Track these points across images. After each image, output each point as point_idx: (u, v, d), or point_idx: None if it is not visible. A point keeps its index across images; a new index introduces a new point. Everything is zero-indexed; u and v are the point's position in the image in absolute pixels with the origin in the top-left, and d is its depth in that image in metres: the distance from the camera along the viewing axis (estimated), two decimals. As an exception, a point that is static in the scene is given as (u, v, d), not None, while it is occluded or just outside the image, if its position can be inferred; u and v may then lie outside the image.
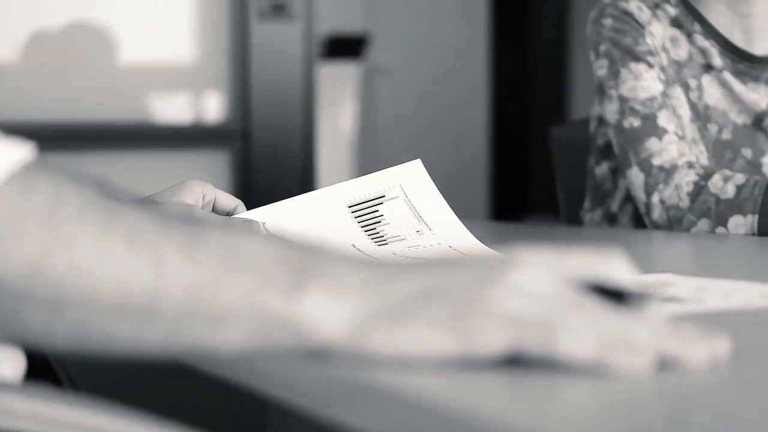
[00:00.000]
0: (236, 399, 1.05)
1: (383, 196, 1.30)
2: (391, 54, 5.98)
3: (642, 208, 1.75)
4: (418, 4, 6.14)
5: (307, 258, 0.67)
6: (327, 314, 0.65)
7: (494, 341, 0.64)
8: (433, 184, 1.32)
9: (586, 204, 2.01)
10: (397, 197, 1.30)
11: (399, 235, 1.29)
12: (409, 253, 1.25)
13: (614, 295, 0.68)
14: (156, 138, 3.24)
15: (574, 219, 2.20)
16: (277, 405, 0.79)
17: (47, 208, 0.65)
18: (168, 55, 3.28)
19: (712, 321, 0.82)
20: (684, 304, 0.88)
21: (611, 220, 1.94)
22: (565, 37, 6.68)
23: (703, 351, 0.65)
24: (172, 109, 3.28)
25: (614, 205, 1.93)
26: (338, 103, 5.57)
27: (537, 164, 6.99)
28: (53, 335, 0.67)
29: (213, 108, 3.31)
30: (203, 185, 1.30)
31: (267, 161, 3.31)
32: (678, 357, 0.65)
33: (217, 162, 3.29)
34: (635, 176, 1.75)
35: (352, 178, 1.33)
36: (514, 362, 0.65)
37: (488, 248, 1.28)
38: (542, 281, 0.66)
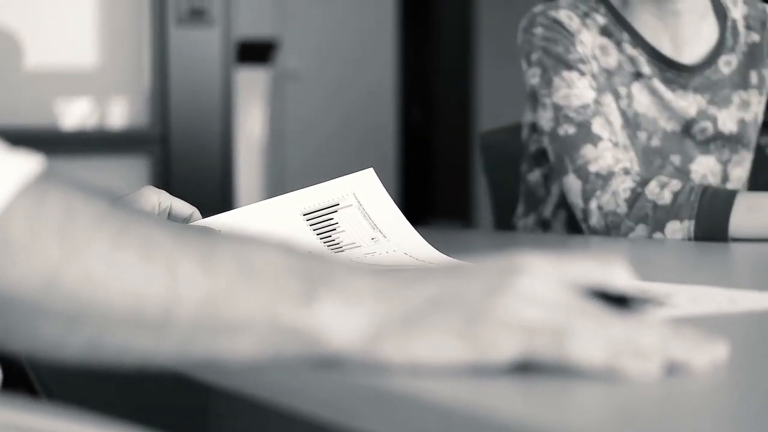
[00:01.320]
0: (179, 389, 1.05)
1: (337, 204, 1.31)
2: (299, 59, 5.98)
3: (579, 214, 1.77)
4: (325, 10, 6.15)
5: (319, 267, 0.67)
6: (340, 323, 0.66)
7: (507, 349, 0.65)
8: (386, 192, 1.33)
9: (520, 210, 2.03)
10: (351, 205, 1.31)
11: (354, 243, 1.30)
12: (365, 260, 1.27)
13: (616, 300, 0.69)
14: (73, 144, 3.21)
15: (504, 224, 2.23)
16: (219, 392, 0.79)
17: (60, 221, 0.65)
18: (86, 60, 3.24)
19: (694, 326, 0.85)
20: (675, 309, 0.90)
21: (544, 226, 1.97)
22: (468, 41, 6.73)
23: (706, 355, 0.67)
24: (91, 115, 3.25)
25: (547, 211, 1.96)
26: (249, 109, 5.55)
27: (442, 168, 7.04)
28: (66, 347, 0.66)
29: (132, 113, 3.28)
30: (159, 192, 1.30)
31: (186, 166, 3.29)
32: (683, 361, 0.66)
33: (137, 168, 3.26)
34: (572, 183, 1.77)
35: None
36: (525, 366, 0.66)
37: (444, 255, 1.30)
38: (549, 288, 0.67)
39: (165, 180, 3.26)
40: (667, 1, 1.86)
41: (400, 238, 1.31)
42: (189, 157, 3.30)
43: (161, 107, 3.27)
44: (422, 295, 0.67)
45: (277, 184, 5.92)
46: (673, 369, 0.66)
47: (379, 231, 1.31)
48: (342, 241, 1.29)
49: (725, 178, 1.91)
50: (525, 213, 2.01)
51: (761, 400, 0.65)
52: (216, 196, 3.26)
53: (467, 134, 6.74)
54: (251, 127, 5.59)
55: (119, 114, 3.28)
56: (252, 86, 5.43)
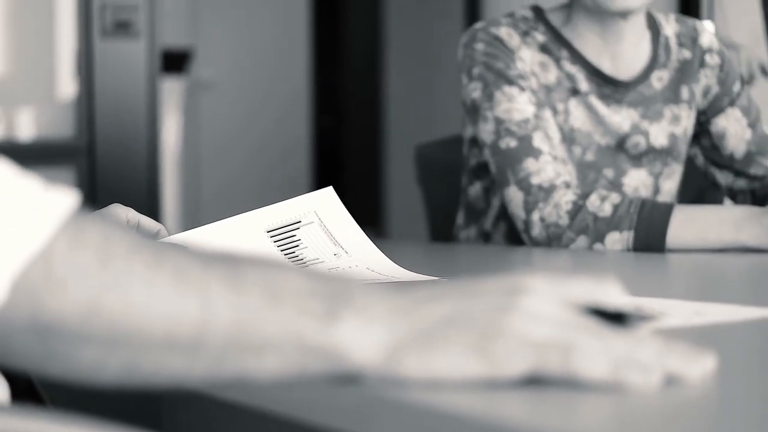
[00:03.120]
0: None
1: (299, 222, 1.34)
2: (213, 69, 5.98)
3: (521, 226, 1.82)
4: (239, 20, 6.15)
5: (338, 288, 0.71)
6: (361, 340, 0.70)
7: (519, 364, 0.70)
8: (345, 209, 1.37)
9: (460, 221, 2.08)
10: (313, 222, 1.35)
11: (318, 258, 1.33)
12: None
13: (612, 316, 0.74)
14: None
15: (439, 235, 2.27)
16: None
17: (99, 252, 0.68)
18: (9, 70, 3.22)
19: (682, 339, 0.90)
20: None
21: (485, 237, 2.02)
22: (377, 50, 6.78)
23: (699, 366, 0.72)
24: (17, 126, 3.22)
25: (488, 223, 2.01)
26: (165, 119, 5.54)
27: (352, 176, 7.08)
28: (104, 371, 0.69)
29: (58, 125, 3.27)
30: (127, 210, 1.32)
31: (112, 177, 3.29)
32: (679, 374, 0.71)
33: (63, 179, 3.25)
34: (514, 195, 1.82)
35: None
36: (535, 379, 0.70)
37: (406, 270, 1.34)
38: (553, 307, 0.71)
39: (91, 189, 3.26)
40: (611, 23, 1.92)
41: (362, 254, 1.35)
42: (115, 167, 3.30)
43: (87, 119, 3.26)
44: (437, 314, 0.71)
45: (194, 193, 5.91)
46: (669, 380, 0.71)
47: (341, 247, 1.35)
48: (306, 257, 1.33)
49: (656, 190, 1.98)
50: (465, 224, 2.06)
51: (748, 406, 0.69)
52: (142, 206, 3.26)
53: (376, 142, 6.79)
54: (168, 137, 5.58)
55: (45, 126, 3.27)
56: (168, 96, 5.42)
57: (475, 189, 2.03)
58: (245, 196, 5.99)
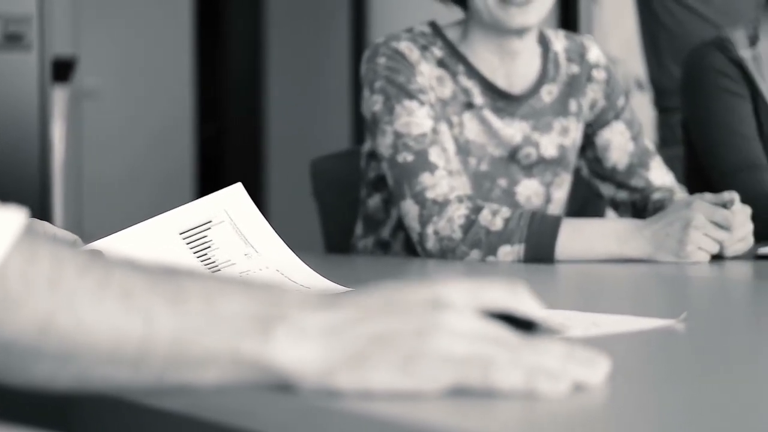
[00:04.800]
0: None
1: (210, 222, 1.37)
2: (96, 77, 5.95)
3: (416, 238, 1.89)
4: (122, 29, 6.13)
5: (275, 306, 0.77)
6: (295, 358, 0.75)
7: (442, 381, 0.76)
8: (255, 206, 1.41)
9: (358, 231, 2.14)
10: (223, 221, 1.38)
11: (229, 260, 1.37)
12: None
13: (522, 323, 0.82)
14: None
15: (334, 247, 2.33)
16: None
17: (50, 273, 0.73)
18: None
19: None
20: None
21: (384, 246, 2.08)
22: (258, 58, 6.80)
23: (599, 373, 0.80)
24: None
25: (386, 232, 2.08)
26: (53, 127, 5.49)
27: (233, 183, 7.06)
28: (57, 382, 0.74)
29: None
30: (42, 224, 1.36)
31: (3, 184, 3.28)
32: (582, 379, 0.79)
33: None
34: (410, 208, 1.89)
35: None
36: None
37: (311, 270, 1.39)
38: (470, 322, 0.78)
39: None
40: (507, 40, 2.00)
41: (271, 253, 1.39)
42: (7, 175, 3.29)
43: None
44: (367, 333, 0.76)
45: (77, 201, 5.87)
46: (575, 386, 0.79)
47: (251, 246, 1.38)
48: (218, 259, 1.37)
49: (548, 199, 2.07)
50: (364, 234, 2.12)
51: (646, 411, 0.77)
52: (35, 213, 3.26)
53: (258, 151, 6.81)
54: (57, 145, 5.53)
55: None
56: (55, 105, 5.39)
57: (374, 201, 2.09)
58: (128, 205, 5.97)
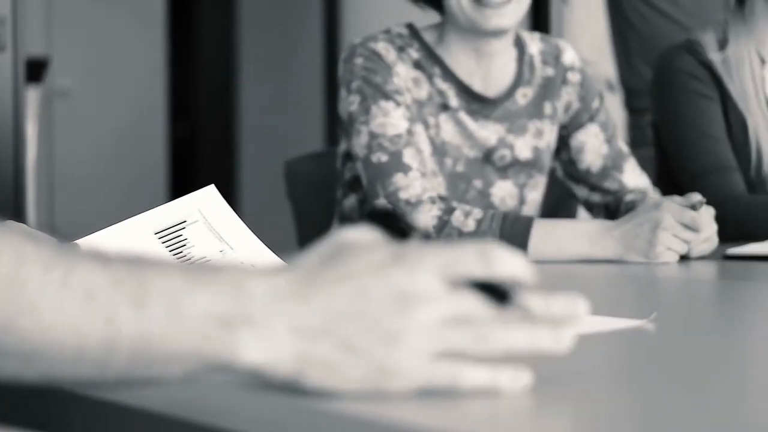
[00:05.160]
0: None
1: (185, 221, 1.40)
2: (69, 77, 5.94)
3: None
4: (95, 28, 6.12)
5: (239, 304, 0.77)
6: (260, 360, 0.77)
7: (411, 386, 0.78)
8: (228, 206, 1.43)
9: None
10: (198, 221, 1.40)
11: (205, 257, 1.39)
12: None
13: (496, 290, 0.80)
14: None
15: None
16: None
17: (12, 272, 0.74)
18: None
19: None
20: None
21: None
22: (231, 58, 6.81)
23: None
24: None
25: None
26: (26, 128, 5.47)
27: (206, 183, 7.06)
28: (24, 378, 0.77)
29: None
30: (19, 226, 1.38)
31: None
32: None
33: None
34: None
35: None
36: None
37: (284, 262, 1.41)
38: (439, 313, 0.77)
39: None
40: (483, 42, 2.02)
41: (246, 249, 1.41)
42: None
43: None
44: (336, 339, 0.77)
45: (47, 201, 5.86)
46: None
47: (226, 243, 1.40)
48: (193, 256, 1.39)
49: (522, 200, 2.09)
50: None
51: (619, 409, 0.80)
52: (7, 213, 3.26)
53: (230, 152, 6.82)
54: (30, 146, 5.52)
55: None
56: (28, 105, 5.38)
57: (350, 201, 2.11)
58: (101, 204, 5.96)
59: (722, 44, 2.38)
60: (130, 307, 0.75)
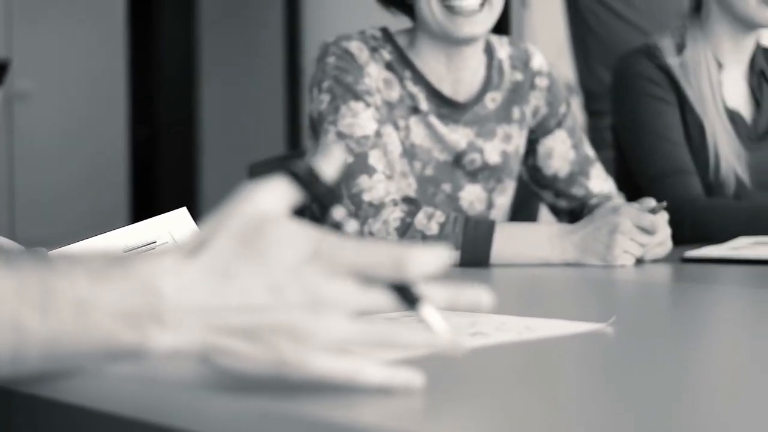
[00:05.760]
0: None
1: (155, 242, 1.42)
2: (29, 79, 5.92)
3: None
4: (56, 30, 6.10)
5: (148, 301, 0.79)
6: (170, 349, 0.80)
7: (312, 376, 0.80)
8: (198, 228, 1.45)
9: None
10: (167, 242, 1.43)
11: None
12: None
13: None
14: None
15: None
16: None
17: None
18: None
19: (507, 353, 1.02)
20: (485, 338, 1.06)
21: None
22: (192, 61, 6.81)
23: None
24: None
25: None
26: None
27: (167, 187, 7.08)
28: None
29: None
30: None
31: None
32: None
33: None
34: (346, 208, 1.93)
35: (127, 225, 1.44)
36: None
37: None
38: (344, 324, 0.80)
39: None
40: (454, 49, 2.04)
41: None
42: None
43: None
44: (244, 327, 0.79)
45: (8, 205, 5.84)
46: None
47: None
48: None
49: (490, 205, 2.11)
50: None
51: (575, 411, 0.82)
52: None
53: (192, 154, 6.81)
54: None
55: None
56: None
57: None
58: (61, 207, 5.94)
59: (680, 49, 2.41)
60: (37, 314, 0.78)
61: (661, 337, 1.16)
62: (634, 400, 0.84)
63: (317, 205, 0.85)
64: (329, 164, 0.85)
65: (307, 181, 0.84)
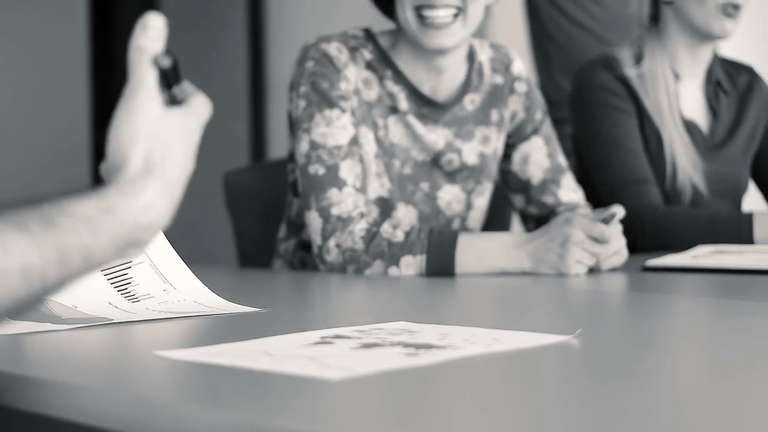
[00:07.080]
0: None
1: (130, 262, 1.47)
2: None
3: (316, 251, 1.96)
4: (14, 33, 6.09)
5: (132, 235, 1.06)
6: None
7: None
8: (172, 248, 1.50)
9: (282, 233, 2.20)
10: (143, 262, 1.48)
11: (149, 294, 1.46)
12: (161, 308, 1.43)
13: None
14: None
15: (247, 260, 2.39)
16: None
17: None
18: None
19: (478, 365, 1.06)
20: (456, 350, 1.10)
21: (306, 248, 2.14)
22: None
23: None
24: None
25: (307, 234, 2.10)
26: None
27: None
28: None
29: None
30: None
31: None
32: None
33: None
34: (313, 219, 1.96)
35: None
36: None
37: (225, 300, 1.48)
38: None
39: None
40: (433, 60, 2.07)
41: (187, 288, 1.49)
42: None
43: None
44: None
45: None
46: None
47: (170, 284, 1.49)
48: (138, 293, 1.46)
49: (469, 206, 2.15)
50: (287, 237, 2.18)
51: (548, 421, 0.86)
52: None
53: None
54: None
55: None
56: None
57: (297, 204, 2.15)
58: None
59: (638, 60, 2.46)
60: (54, 267, 0.96)
61: (625, 347, 1.20)
62: (604, 410, 0.87)
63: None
64: None
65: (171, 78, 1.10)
